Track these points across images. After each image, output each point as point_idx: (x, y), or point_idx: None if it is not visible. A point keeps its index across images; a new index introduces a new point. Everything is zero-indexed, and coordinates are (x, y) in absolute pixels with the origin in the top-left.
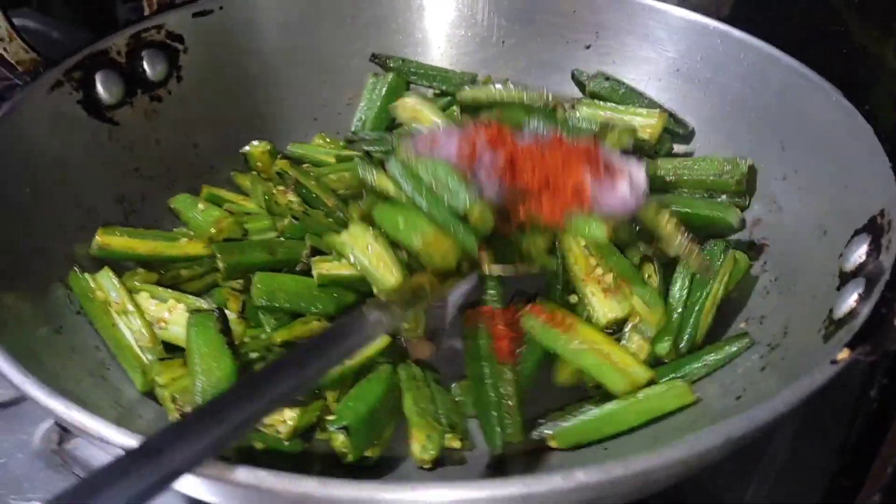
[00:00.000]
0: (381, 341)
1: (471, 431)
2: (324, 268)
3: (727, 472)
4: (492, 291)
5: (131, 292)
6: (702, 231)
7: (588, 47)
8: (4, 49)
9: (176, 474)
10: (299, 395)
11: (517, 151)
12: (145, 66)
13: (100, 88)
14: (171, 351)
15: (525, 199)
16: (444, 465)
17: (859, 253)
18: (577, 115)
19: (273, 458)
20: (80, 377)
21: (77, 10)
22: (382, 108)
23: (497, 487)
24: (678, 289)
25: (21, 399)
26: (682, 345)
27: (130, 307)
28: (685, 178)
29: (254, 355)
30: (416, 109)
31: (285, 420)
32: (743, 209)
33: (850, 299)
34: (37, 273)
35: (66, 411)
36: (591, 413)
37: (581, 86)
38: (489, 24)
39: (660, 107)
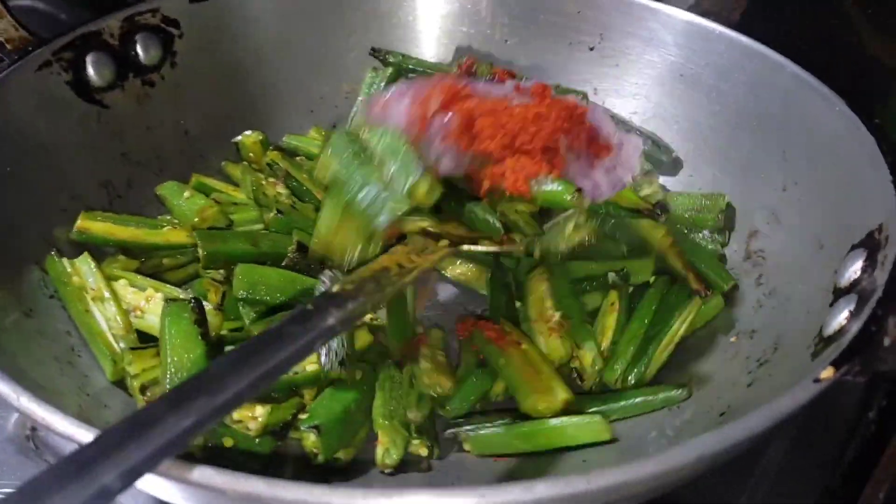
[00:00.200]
0: (361, 339)
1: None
2: None
3: (718, 486)
4: None
5: (109, 279)
6: None
7: (592, 49)
8: None
9: (132, 474)
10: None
11: (478, 110)
12: (139, 49)
13: (90, 70)
14: (148, 341)
15: (486, 165)
16: (407, 472)
17: (854, 268)
18: None
19: (243, 456)
20: (44, 362)
21: None
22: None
23: (450, 497)
24: (638, 320)
25: None
26: (630, 376)
27: (107, 294)
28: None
29: (229, 348)
30: None
31: (256, 417)
32: (723, 246)
33: (841, 316)
34: (11, 254)
35: (12, 394)
36: (507, 427)
37: None
38: (492, 21)
39: (643, 134)
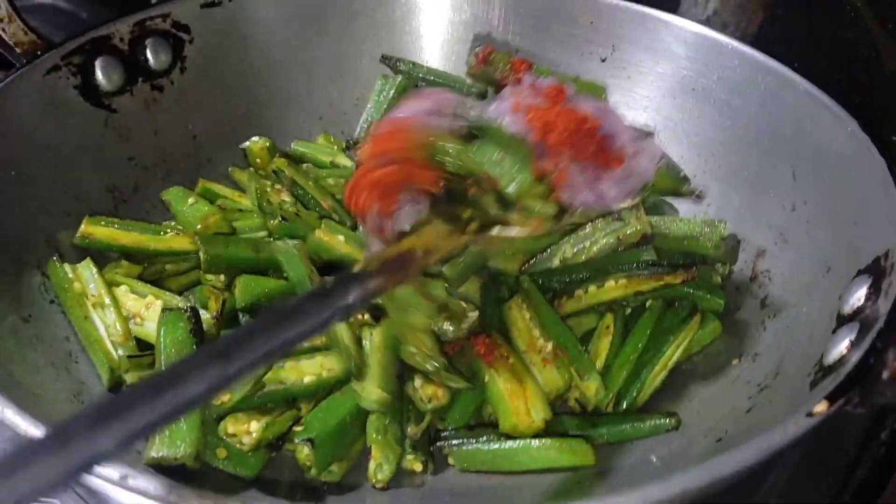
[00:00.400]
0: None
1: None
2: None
3: None
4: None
5: (111, 285)
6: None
7: (604, 60)
8: (3, 30)
9: (81, 467)
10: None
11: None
12: (148, 54)
13: (99, 75)
14: (147, 349)
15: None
16: (400, 487)
17: (858, 295)
18: None
19: (235, 468)
20: (39, 368)
21: None
22: (388, 111)
23: None
24: (632, 344)
25: None
26: (622, 401)
27: (107, 300)
28: (662, 238)
29: None
30: None
31: (250, 431)
32: (724, 278)
33: (842, 345)
34: (13, 258)
35: None
36: (491, 444)
37: None
38: (504, 30)
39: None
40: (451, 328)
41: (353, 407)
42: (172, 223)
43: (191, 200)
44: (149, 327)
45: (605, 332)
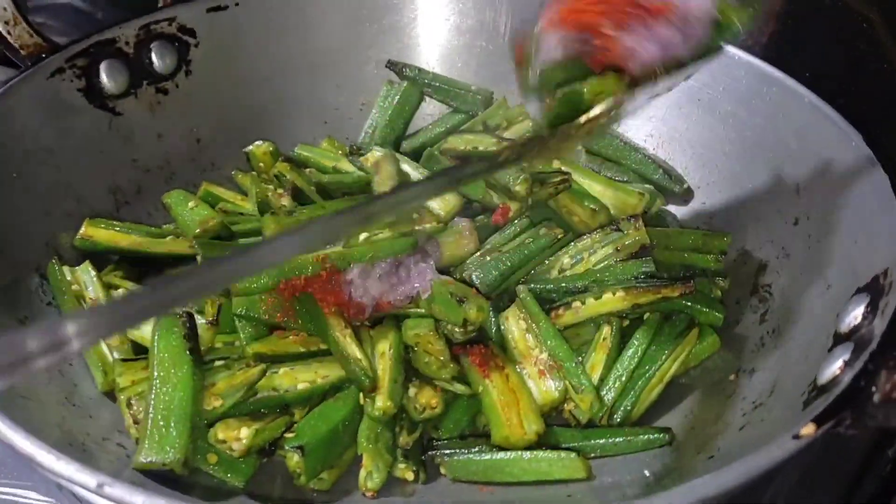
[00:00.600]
0: None
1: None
2: None
3: None
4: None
5: (109, 287)
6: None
7: None
8: (8, 32)
9: None
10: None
11: None
12: (154, 57)
13: (104, 78)
14: (142, 352)
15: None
16: (390, 496)
17: (855, 314)
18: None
19: (226, 474)
20: None
21: None
22: (394, 117)
23: None
24: (628, 357)
25: None
26: (616, 414)
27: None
28: (662, 250)
29: (219, 363)
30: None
31: (240, 438)
32: (725, 292)
33: (835, 365)
34: (12, 259)
35: None
36: (483, 454)
37: None
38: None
39: (656, 163)
40: (458, 329)
41: (345, 414)
42: (173, 226)
43: (191, 204)
44: (144, 331)
45: (602, 343)
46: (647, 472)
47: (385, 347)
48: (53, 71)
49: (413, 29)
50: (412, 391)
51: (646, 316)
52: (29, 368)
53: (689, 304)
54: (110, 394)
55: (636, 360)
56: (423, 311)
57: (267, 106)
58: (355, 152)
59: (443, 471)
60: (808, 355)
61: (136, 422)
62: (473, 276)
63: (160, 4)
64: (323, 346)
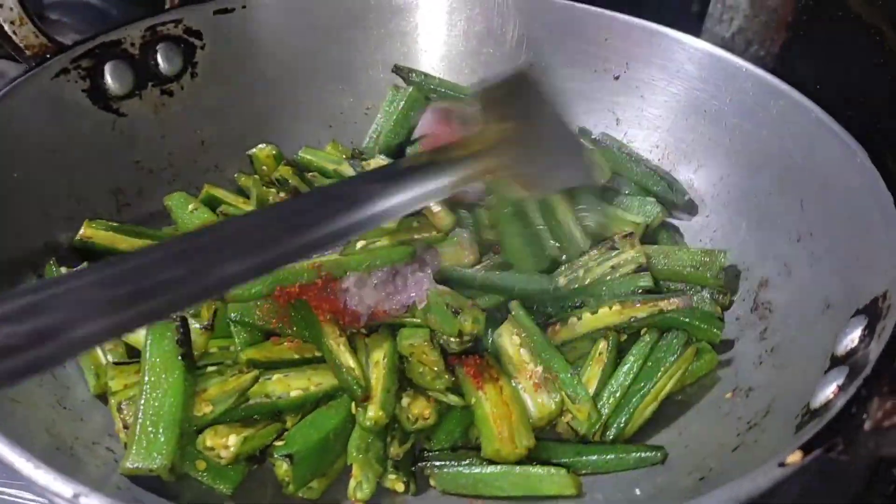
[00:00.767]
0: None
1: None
2: None
3: None
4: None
5: None
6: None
7: (617, 78)
8: (14, 32)
9: None
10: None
11: None
12: (159, 59)
13: (108, 79)
14: (136, 355)
15: None
16: None
17: (852, 336)
18: None
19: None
20: None
21: None
22: (399, 122)
23: None
24: (624, 372)
25: None
26: (610, 431)
27: None
28: (660, 267)
29: (211, 369)
30: None
31: (228, 445)
32: (724, 308)
33: (829, 389)
34: (11, 260)
35: None
36: (473, 468)
37: None
38: (518, 44)
39: (658, 175)
40: (454, 339)
41: (336, 423)
42: (172, 229)
43: (191, 207)
44: (139, 333)
45: (598, 357)
46: (637, 491)
47: (379, 356)
48: (58, 71)
49: (420, 34)
50: (405, 401)
51: (643, 331)
52: None
53: (687, 319)
54: (103, 397)
55: (631, 375)
56: (418, 320)
57: (272, 109)
58: (357, 156)
59: (432, 482)
60: (804, 376)
61: (126, 426)
62: None
63: (167, 6)
64: (318, 353)
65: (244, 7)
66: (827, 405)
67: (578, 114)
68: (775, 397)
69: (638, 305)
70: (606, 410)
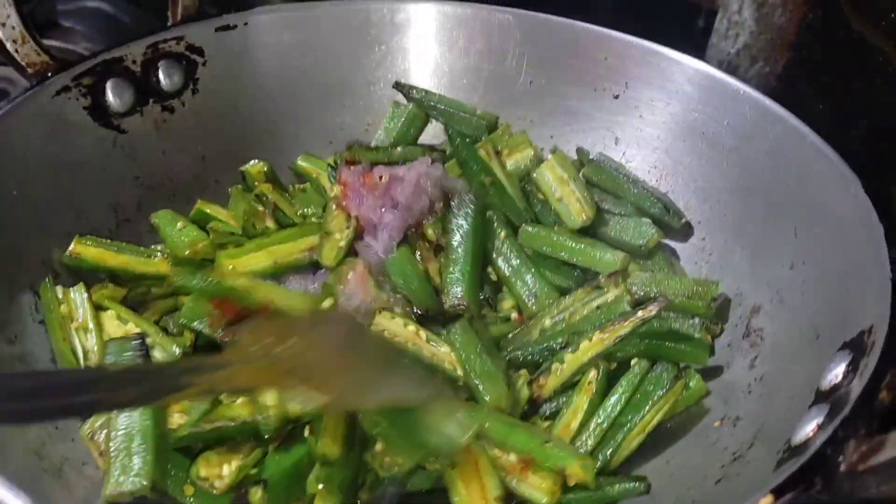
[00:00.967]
0: None
1: None
2: None
3: None
4: None
5: (98, 308)
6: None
7: (616, 97)
8: (16, 51)
9: None
10: None
11: None
12: (161, 76)
13: (110, 96)
14: None
15: None
16: None
17: (836, 372)
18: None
19: None
20: None
21: None
22: (398, 139)
23: None
24: (611, 404)
25: None
26: (595, 462)
27: (91, 325)
28: (653, 295)
29: None
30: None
31: (222, 475)
32: (715, 337)
33: (809, 426)
34: (6, 276)
35: None
36: None
37: (581, 163)
38: (518, 62)
39: (655, 197)
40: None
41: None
42: (161, 246)
43: (179, 225)
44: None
45: (587, 388)
46: None
47: None
48: (59, 89)
49: (421, 50)
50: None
51: (633, 362)
52: None
53: (674, 344)
54: None
55: (619, 408)
56: None
57: (272, 125)
58: (334, 166)
59: None
60: (790, 408)
61: (101, 453)
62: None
63: (169, 23)
64: None
65: (246, 24)
66: (807, 443)
67: (577, 132)
68: (761, 428)
69: (618, 325)
70: (591, 442)
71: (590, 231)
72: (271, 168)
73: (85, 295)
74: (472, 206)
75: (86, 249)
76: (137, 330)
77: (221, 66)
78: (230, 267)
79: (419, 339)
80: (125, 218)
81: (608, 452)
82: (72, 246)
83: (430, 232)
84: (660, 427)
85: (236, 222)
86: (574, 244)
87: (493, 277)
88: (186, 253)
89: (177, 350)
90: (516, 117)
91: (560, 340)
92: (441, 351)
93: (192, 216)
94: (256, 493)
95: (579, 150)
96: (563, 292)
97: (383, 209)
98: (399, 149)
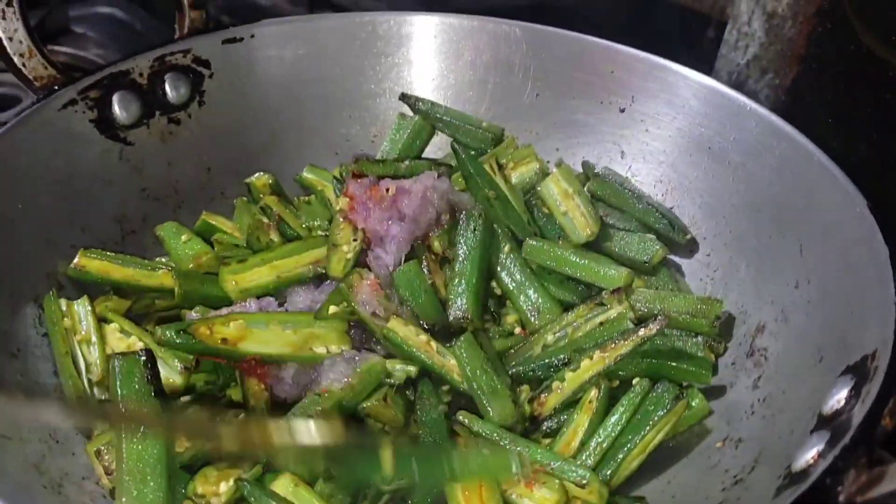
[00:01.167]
0: None
1: None
2: None
3: None
4: None
5: (102, 321)
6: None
7: (623, 111)
8: (23, 65)
9: None
10: None
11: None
12: (167, 88)
13: (116, 108)
14: None
15: None
16: None
17: (839, 397)
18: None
19: None
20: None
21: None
22: (404, 150)
23: None
24: (612, 423)
25: None
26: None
27: (94, 338)
28: (657, 312)
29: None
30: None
31: (219, 493)
32: (718, 356)
33: (810, 453)
34: (12, 291)
35: None
36: None
37: (587, 177)
38: (524, 75)
39: (660, 212)
40: None
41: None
42: (165, 259)
43: (184, 238)
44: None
45: (587, 406)
46: None
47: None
48: (66, 103)
49: (427, 63)
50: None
51: (634, 381)
52: None
53: (676, 363)
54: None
55: (619, 427)
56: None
57: (278, 136)
58: (341, 180)
59: None
60: (792, 431)
61: (108, 472)
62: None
63: (176, 36)
64: None
65: (252, 36)
66: (807, 471)
67: (583, 145)
68: (762, 451)
69: (619, 343)
70: (591, 462)
71: (594, 246)
72: (276, 180)
73: (89, 307)
74: (479, 220)
75: (90, 262)
76: (140, 344)
77: (228, 78)
78: (233, 283)
79: (430, 349)
80: (131, 230)
81: (608, 472)
82: (76, 258)
83: (436, 244)
84: (661, 446)
85: (241, 234)
86: (578, 259)
87: (498, 291)
88: (191, 266)
89: (179, 366)
90: (522, 130)
91: (562, 357)
92: (450, 363)
93: (197, 228)
94: None
95: (585, 164)
96: (567, 307)
97: (390, 221)
98: (406, 163)
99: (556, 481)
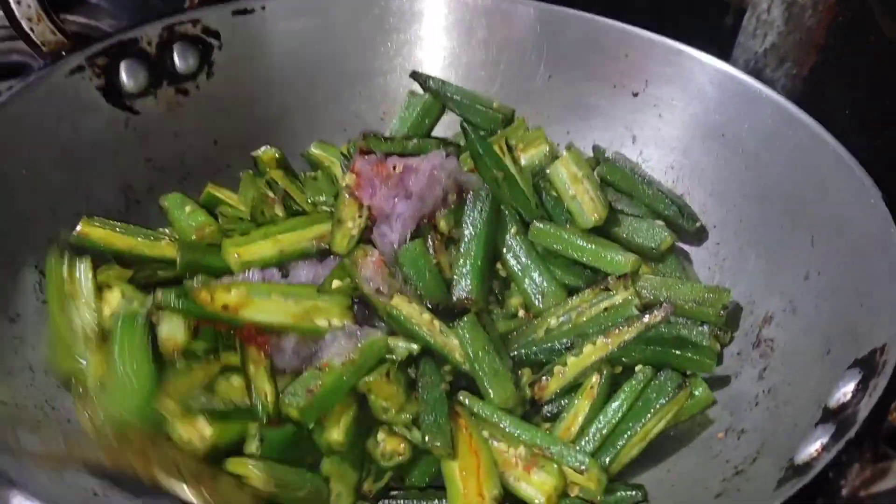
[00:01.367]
0: None
1: None
2: None
3: None
4: None
5: (102, 287)
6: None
7: (636, 95)
8: (31, 29)
9: None
10: None
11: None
12: (176, 58)
13: (123, 76)
14: None
15: None
16: None
17: (846, 390)
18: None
19: None
20: (14, 371)
21: None
22: (413, 128)
23: None
24: (612, 410)
25: None
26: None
27: (92, 301)
28: (663, 300)
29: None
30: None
31: (204, 437)
32: (724, 345)
33: (814, 446)
34: (13, 255)
35: None
36: None
37: (597, 161)
38: (538, 56)
39: (670, 199)
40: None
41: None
42: (169, 229)
43: (188, 209)
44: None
45: (588, 392)
46: None
47: None
48: (73, 69)
49: (439, 41)
50: (380, 436)
51: (637, 368)
52: None
53: (680, 351)
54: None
55: (620, 414)
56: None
57: (287, 110)
58: (349, 156)
59: None
60: (797, 423)
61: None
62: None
63: (186, 5)
64: None
65: (263, 8)
66: (810, 463)
67: (594, 129)
68: (765, 443)
69: (623, 329)
70: (590, 447)
71: (602, 231)
72: (283, 154)
73: (90, 271)
74: (486, 201)
75: (93, 230)
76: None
77: (237, 50)
78: (235, 255)
79: (433, 328)
80: (135, 200)
81: (607, 459)
82: (79, 226)
83: (442, 224)
84: (663, 434)
85: (246, 208)
86: (585, 243)
87: (503, 273)
88: (193, 237)
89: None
90: (533, 112)
91: (565, 341)
92: (452, 343)
93: (202, 200)
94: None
95: (595, 148)
96: (572, 291)
97: (396, 199)
98: (413, 141)
99: (555, 466)
